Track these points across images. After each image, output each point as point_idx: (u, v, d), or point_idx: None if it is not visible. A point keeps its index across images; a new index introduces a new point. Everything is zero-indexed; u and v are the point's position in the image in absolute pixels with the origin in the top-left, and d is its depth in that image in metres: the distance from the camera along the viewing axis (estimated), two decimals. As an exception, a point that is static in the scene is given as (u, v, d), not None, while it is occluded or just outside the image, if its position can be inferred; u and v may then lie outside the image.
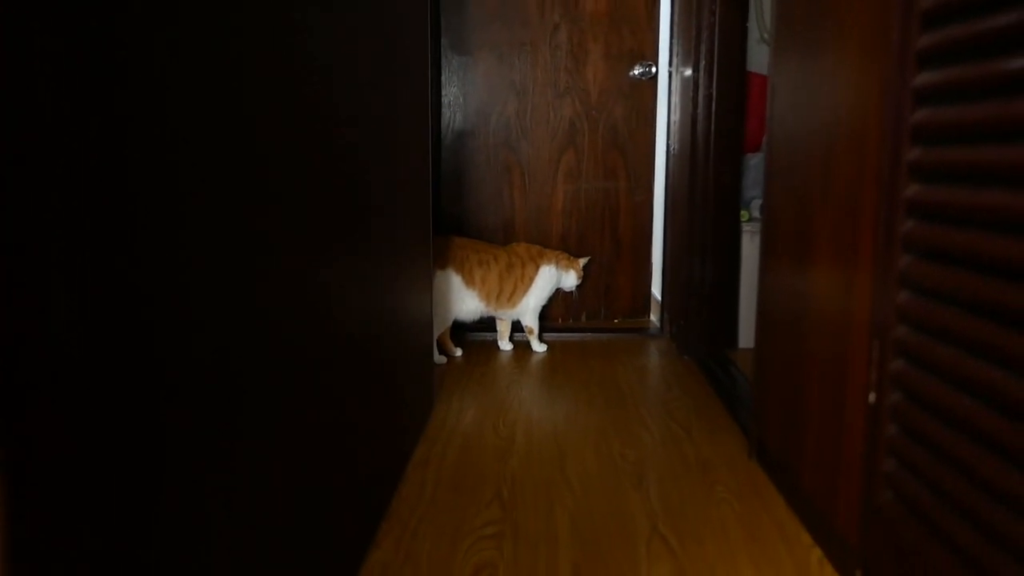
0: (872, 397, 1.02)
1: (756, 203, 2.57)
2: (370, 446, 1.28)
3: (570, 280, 2.61)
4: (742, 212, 2.49)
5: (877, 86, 1.01)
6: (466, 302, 2.47)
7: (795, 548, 1.27)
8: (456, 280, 2.43)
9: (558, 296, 2.88)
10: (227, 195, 0.69)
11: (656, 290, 2.96)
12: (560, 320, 2.96)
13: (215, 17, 0.66)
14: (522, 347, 2.66)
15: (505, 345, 2.65)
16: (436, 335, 2.40)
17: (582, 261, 2.66)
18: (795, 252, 1.35)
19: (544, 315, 2.85)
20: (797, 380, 1.34)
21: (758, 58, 2.62)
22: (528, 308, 2.57)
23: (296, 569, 0.90)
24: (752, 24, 2.60)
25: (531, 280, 2.53)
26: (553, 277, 2.57)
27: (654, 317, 2.98)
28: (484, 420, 1.90)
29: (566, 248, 2.82)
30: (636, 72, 2.80)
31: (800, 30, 1.34)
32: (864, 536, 1.04)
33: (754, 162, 2.60)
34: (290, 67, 0.86)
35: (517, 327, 2.70)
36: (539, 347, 2.62)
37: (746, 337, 2.50)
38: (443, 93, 2.83)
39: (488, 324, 2.73)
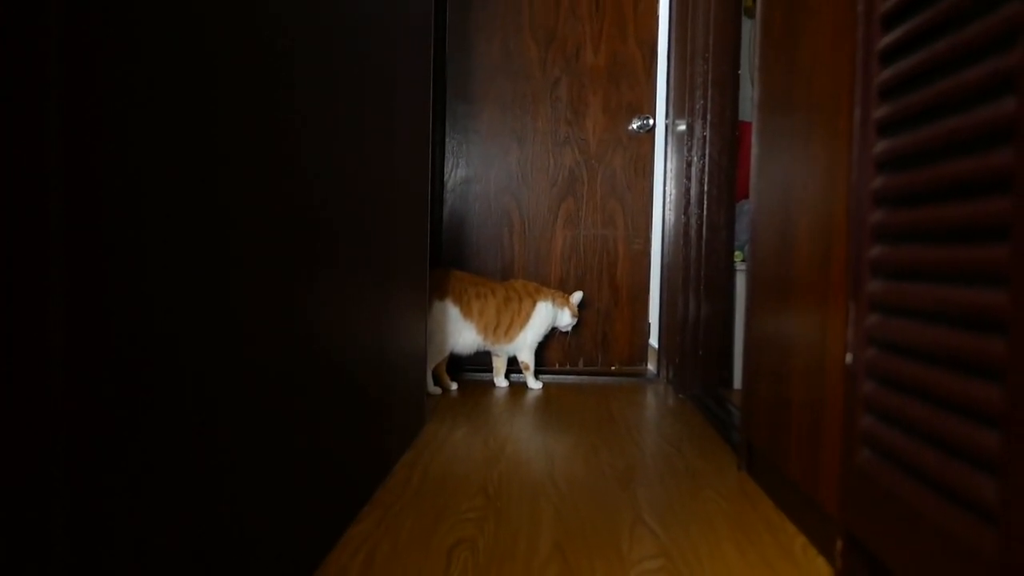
0: (849, 358, 1.03)
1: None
2: (350, 438, 1.28)
3: (565, 318, 2.64)
4: (736, 253, 2.54)
5: (843, 166, 1.08)
6: (463, 334, 2.49)
7: (779, 536, 1.25)
8: (454, 311, 2.46)
9: (555, 341, 2.90)
10: (212, 228, 0.74)
11: (654, 340, 2.98)
12: (557, 364, 2.96)
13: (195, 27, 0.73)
14: (518, 386, 2.66)
15: (500, 382, 2.66)
16: (432, 365, 2.42)
17: (575, 297, 2.67)
18: (776, 286, 1.39)
19: (541, 360, 2.86)
20: (781, 367, 1.35)
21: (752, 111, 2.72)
22: (525, 344, 2.59)
23: (276, 538, 0.90)
24: (745, 77, 2.72)
25: (528, 315, 2.56)
26: (550, 314, 2.60)
27: (651, 365, 2.99)
28: (474, 436, 1.90)
29: (564, 293, 2.86)
30: (635, 126, 2.91)
31: (779, 106, 1.42)
32: (844, 498, 1.03)
33: (748, 207, 2.66)
34: (289, 117, 0.93)
35: (513, 368, 2.71)
36: (535, 384, 2.62)
37: (741, 379, 2.50)
38: (447, 141, 2.94)
39: (484, 363, 2.75)
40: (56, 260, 0.49)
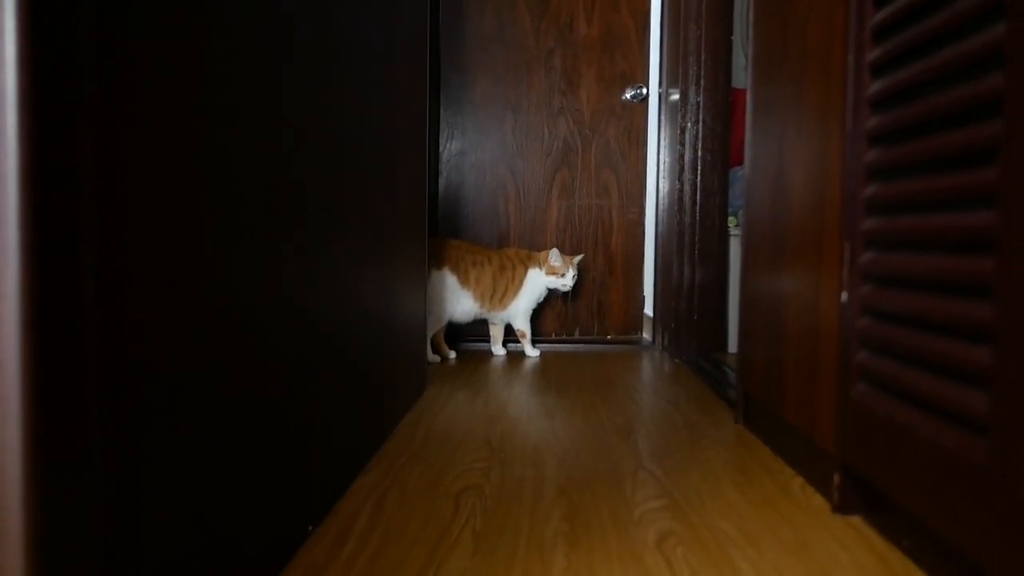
0: (844, 296, 1.06)
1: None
2: (356, 395, 1.31)
3: (556, 280, 2.62)
4: (730, 219, 2.56)
5: (837, 111, 1.10)
6: (461, 302, 2.51)
7: (778, 477, 1.28)
8: (451, 280, 2.48)
9: (551, 310, 2.93)
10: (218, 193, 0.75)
11: (649, 309, 3.01)
12: (553, 334, 2.99)
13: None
14: (515, 354, 2.69)
15: (498, 350, 2.68)
16: (431, 333, 2.44)
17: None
18: (772, 233, 1.41)
19: (537, 329, 2.89)
20: (777, 313, 1.38)
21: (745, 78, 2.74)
22: (519, 311, 2.61)
23: (288, 485, 0.92)
24: (738, 45, 2.74)
25: (520, 282, 2.58)
26: (541, 280, 2.60)
27: (647, 334, 3.02)
28: (475, 398, 1.93)
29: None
30: (628, 95, 2.92)
31: (774, 58, 1.43)
32: (841, 433, 1.07)
33: (741, 173, 2.68)
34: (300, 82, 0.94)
35: (511, 338, 2.74)
36: (532, 352, 2.65)
37: (735, 342, 2.53)
38: (441, 111, 2.95)
39: (481, 332, 2.77)
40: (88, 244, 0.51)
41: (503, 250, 2.66)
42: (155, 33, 0.60)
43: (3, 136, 0.42)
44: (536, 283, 2.60)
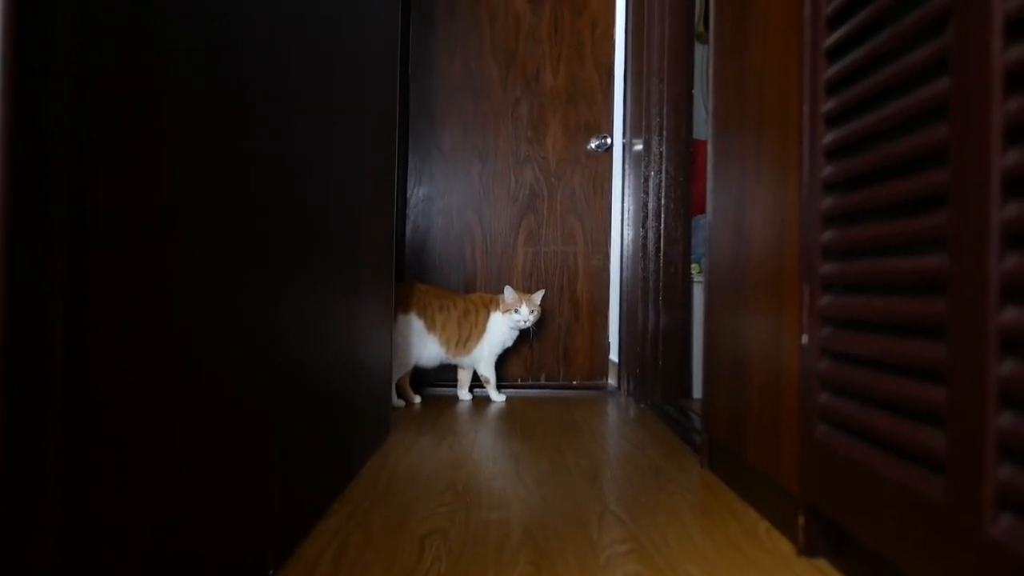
0: (804, 339, 1.09)
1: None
2: (319, 440, 1.29)
3: (511, 320, 2.59)
4: (694, 266, 2.61)
5: (794, 159, 1.15)
6: (427, 347, 2.50)
7: (743, 521, 1.28)
8: (418, 324, 2.48)
9: (516, 356, 2.93)
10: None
11: (614, 355, 3.03)
12: (519, 380, 2.99)
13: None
14: (481, 399, 2.68)
15: (464, 395, 2.67)
16: (396, 377, 2.42)
17: (533, 296, 2.63)
18: (732, 278, 1.45)
19: (503, 375, 2.89)
20: (740, 357, 1.40)
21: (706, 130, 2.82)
22: (482, 356, 2.61)
23: (248, 530, 0.91)
24: (698, 98, 2.82)
25: (483, 327, 2.58)
26: (503, 323, 2.61)
27: (612, 380, 3.03)
28: (440, 442, 1.91)
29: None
30: (593, 145, 2.98)
31: (733, 109, 1.49)
32: (804, 474, 1.08)
33: (703, 222, 2.74)
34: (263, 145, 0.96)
35: (477, 383, 2.73)
36: (497, 397, 2.64)
37: (700, 388, 2.55)
38: (410, 157, 2.98)
39: (446, 378, 2.76)
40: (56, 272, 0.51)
41: (468, 295, 2.67)
42: (128, 70, 0.61)
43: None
44: (498, 326, 2.60)
